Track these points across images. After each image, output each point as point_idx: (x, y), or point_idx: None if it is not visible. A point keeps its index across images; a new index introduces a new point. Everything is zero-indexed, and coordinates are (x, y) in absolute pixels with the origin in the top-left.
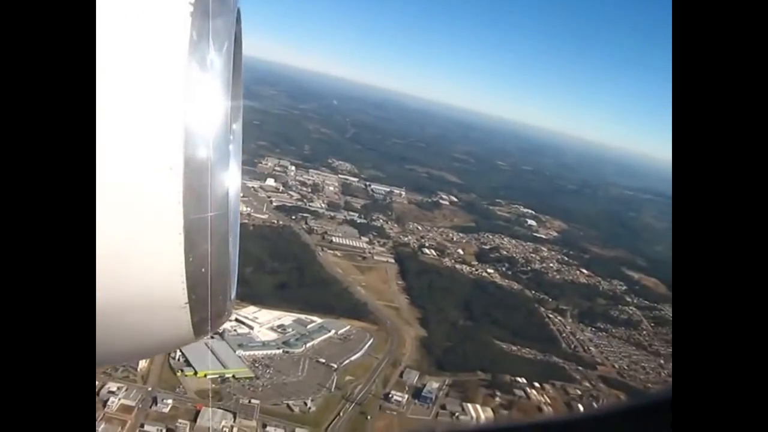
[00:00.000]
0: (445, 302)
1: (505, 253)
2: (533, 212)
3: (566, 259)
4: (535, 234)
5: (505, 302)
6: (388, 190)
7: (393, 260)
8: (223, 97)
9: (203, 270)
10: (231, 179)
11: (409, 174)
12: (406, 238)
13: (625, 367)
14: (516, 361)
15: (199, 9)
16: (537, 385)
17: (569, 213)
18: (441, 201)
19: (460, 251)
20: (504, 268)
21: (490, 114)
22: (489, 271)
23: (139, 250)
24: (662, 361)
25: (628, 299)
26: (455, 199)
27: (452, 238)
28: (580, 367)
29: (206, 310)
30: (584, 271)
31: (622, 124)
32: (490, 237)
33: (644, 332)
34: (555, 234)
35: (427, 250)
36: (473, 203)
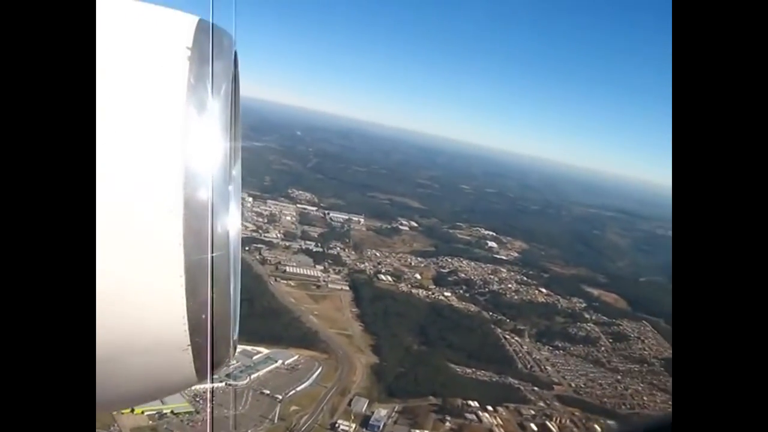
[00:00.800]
0: (400, 328)
1: (463, 275)
2: (494, 234)
3: (525, 279)
4: (495, 255)
5: (461, 325)
6: (347, 217)
7: (348, 287)
8: (222, 138)
9: (205, 311)
10: (231, 220)
11: (370, 201)
12: (362, 265)
13: (582, 385)
14: (470, 384)
15: (196, 53)
16: (489, 407)
17: (531, 233)
18: (401, 227)
19: (418, 276)
20: (461, 291)
21: (456, 139)
22: (446, 294)
23: (140, 292)
24: (619, 377)
25: (587, 316)
26: (415, 224)
27: (410, 263)
28: (535, 388)
29: (208, 352)
30: (543, 290)
31: (586, 143)
32: (449, 260)
33: (602, 348)
34: (515, 254)
35: (383, 276)
36: (433, 227)
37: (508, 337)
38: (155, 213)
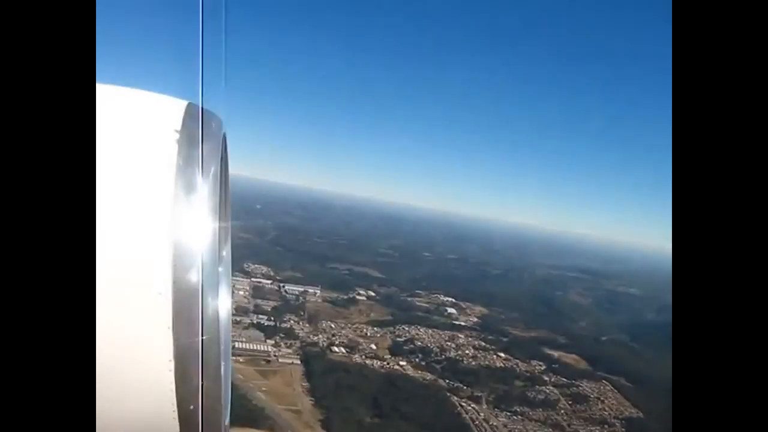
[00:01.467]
0: (352, 400)
1: (419, 343)
2: (453, 300)
3: (484, 344)
4: (454, 322)
5: (416, 394)
6: (303, 289)
7: (299, 361)
8: (211, 220)
9: (195, 397)
10: (221, 302)
11: (330, 272)
12: (315, 338)
13: None
14: None
15: (185, 136)
16: None
17: (492, 297)
18: (358, 297)
19: (373, 346)
20: (417, 359)
21: (422, 206)
22: (401, 363)
23: (129, 378)
24: None
25: (546, 378)
26: (373, 294)
27: (366, 334)
28: None
29: None
30: (501, 354)
31: (552, 205)
32: (406, 329)
33: (562, 411)
34: (475, 320)
35: (336, 348)
36: (392, 296)
37: (464, 404)
38: (144, 296)
